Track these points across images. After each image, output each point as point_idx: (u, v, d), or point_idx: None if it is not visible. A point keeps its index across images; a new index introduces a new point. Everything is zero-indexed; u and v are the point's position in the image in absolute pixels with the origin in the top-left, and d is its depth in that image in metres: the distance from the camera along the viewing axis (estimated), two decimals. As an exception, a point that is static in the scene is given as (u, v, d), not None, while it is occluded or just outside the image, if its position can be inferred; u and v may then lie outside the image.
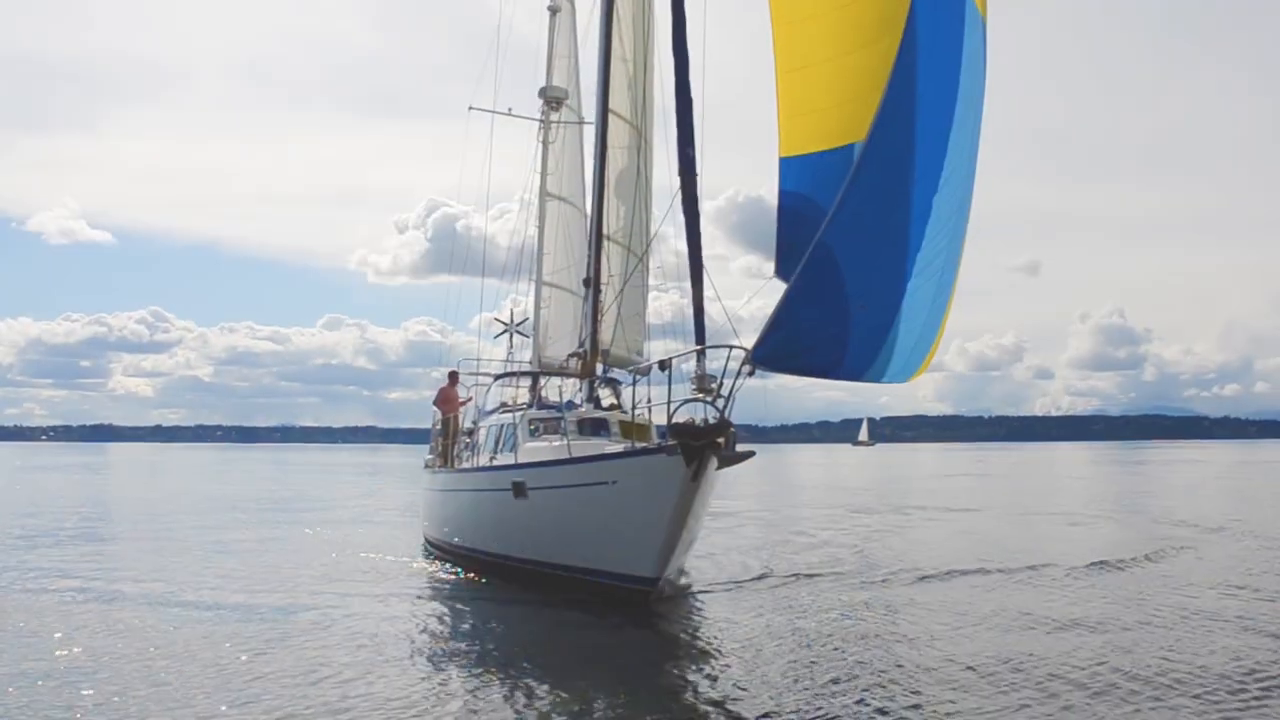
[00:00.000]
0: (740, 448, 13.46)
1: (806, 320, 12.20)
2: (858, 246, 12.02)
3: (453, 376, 24.23)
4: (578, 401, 18.72)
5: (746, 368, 12.07)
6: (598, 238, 18.37)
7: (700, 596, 14.65)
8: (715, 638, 11.81)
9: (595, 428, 17.38)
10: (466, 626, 13.18)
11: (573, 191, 26.35)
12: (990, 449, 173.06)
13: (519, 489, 15.00)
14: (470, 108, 25.56)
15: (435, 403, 24.43)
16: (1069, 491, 45.39)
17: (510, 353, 27.05)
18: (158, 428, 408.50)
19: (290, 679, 9.81)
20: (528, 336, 27.63)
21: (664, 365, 12.02)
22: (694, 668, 10.45)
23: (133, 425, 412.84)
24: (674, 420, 12.88)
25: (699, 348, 12.53)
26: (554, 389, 22.07)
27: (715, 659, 10.78)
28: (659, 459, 12.40)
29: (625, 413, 18.31)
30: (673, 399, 12.80)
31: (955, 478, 60.84)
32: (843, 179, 12.15)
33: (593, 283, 18.25)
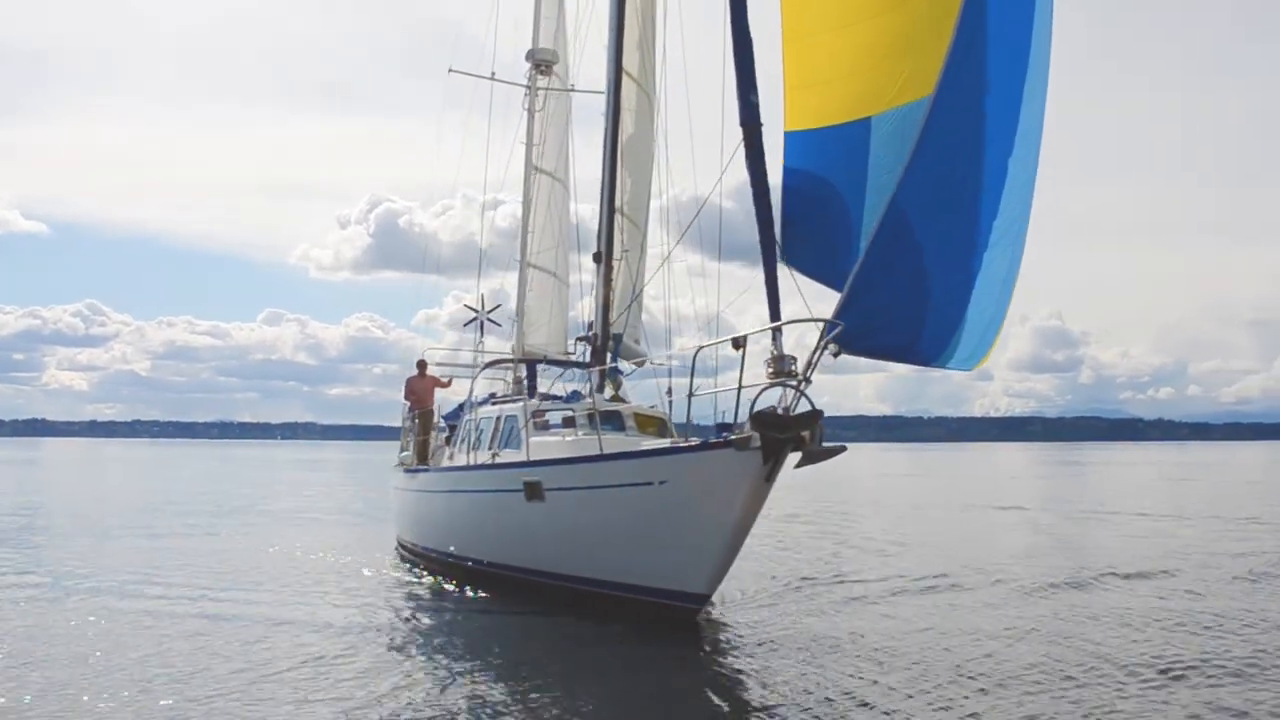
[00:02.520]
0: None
1: (883, 294, 10.76)
2: (933, 211, 10.78)
3: (421, 366, 22.10)
4: (584, 392, 16.60)
5: (832, 347, 10.21)
6: (610, 209, 16.34)
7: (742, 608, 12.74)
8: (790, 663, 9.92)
9: (609, 421, 15.39)
10: (466, 648, 11.37)
11: (558, 166, 24.34)
12: (932, 449, 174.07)
13: (533, 490, 12.95)
14: (450, 70, 23.42)
15: (405, 396, 22.29)
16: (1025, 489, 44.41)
17: (479, 342, 25.02)
18: (93, 423, 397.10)
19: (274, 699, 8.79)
20: (499, 325, 25.72)
21: (738, 343, 10.09)
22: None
23: (67, 420, 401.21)
24: (713, 413, 11.11)
25: (781, 322, 10.56)
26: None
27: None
28: (725, 455, 10.47)
29: (637, 405, 16.39)
30: (733, 384, 10.90)
31: (912, 478, 59.90)
32: (852, 155, 11.57)
33: (604, 258, 16.24)
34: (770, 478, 10.45)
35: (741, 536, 11.02)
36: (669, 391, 15.90)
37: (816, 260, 12.05)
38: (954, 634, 11.39)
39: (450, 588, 14.95)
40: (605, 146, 16.57)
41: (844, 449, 10.57)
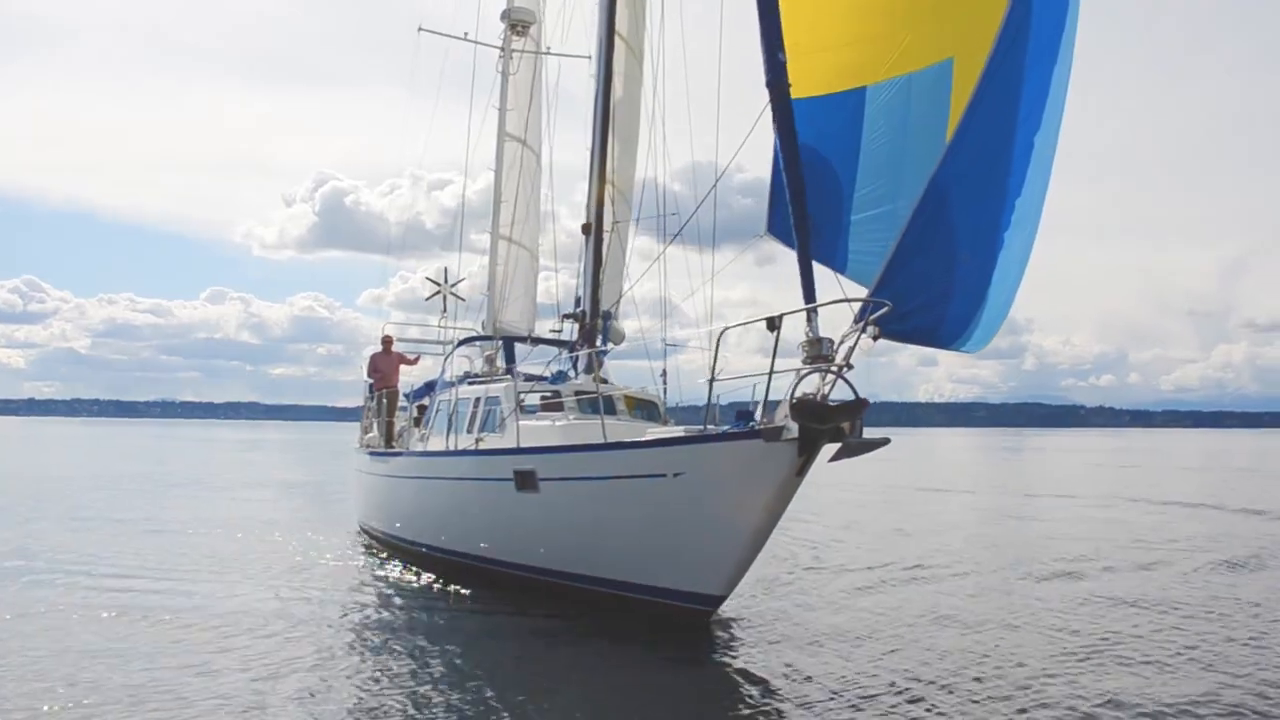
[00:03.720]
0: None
1: (916, 273, 10.07)
2: (971, 189, 10.28)
3: (386, 342, 20.86)
4: (571, 373, 15.49)
5: (873, 329, 9.28)
6: (600, 177, 15.27)
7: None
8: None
9: (599, 404, 14.35)
10: (444, 646, 10.35)
11: (531, 134, 23.11)
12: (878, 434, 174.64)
13: (525, 480, 11.89)
14: (420, 29, 22.06)
15: (368, 373, 21.02)
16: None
17: (443, 318, 23.79)
18: (30, 400, 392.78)
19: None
20: (463, 300, 24.54)
21: (774, 324, 9.08)
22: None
23: (4, 398, 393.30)
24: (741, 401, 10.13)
25: (825, 302, 9.51)
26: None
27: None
28: (752, 447, 9.49)
29: (625, 387, 15.37)
30: (752, 369, 9.95)
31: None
32: (846, 125, 11.20)
33: (594, 230, 15.17)
34: (802, 472, 9.51)
35: (765, 535, 10.09)
36: (663, 374, 14.92)
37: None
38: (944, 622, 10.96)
39: (426, 580, 13.82)
40: (595, 111, 15.53)
41: (887, 441, 9.64)
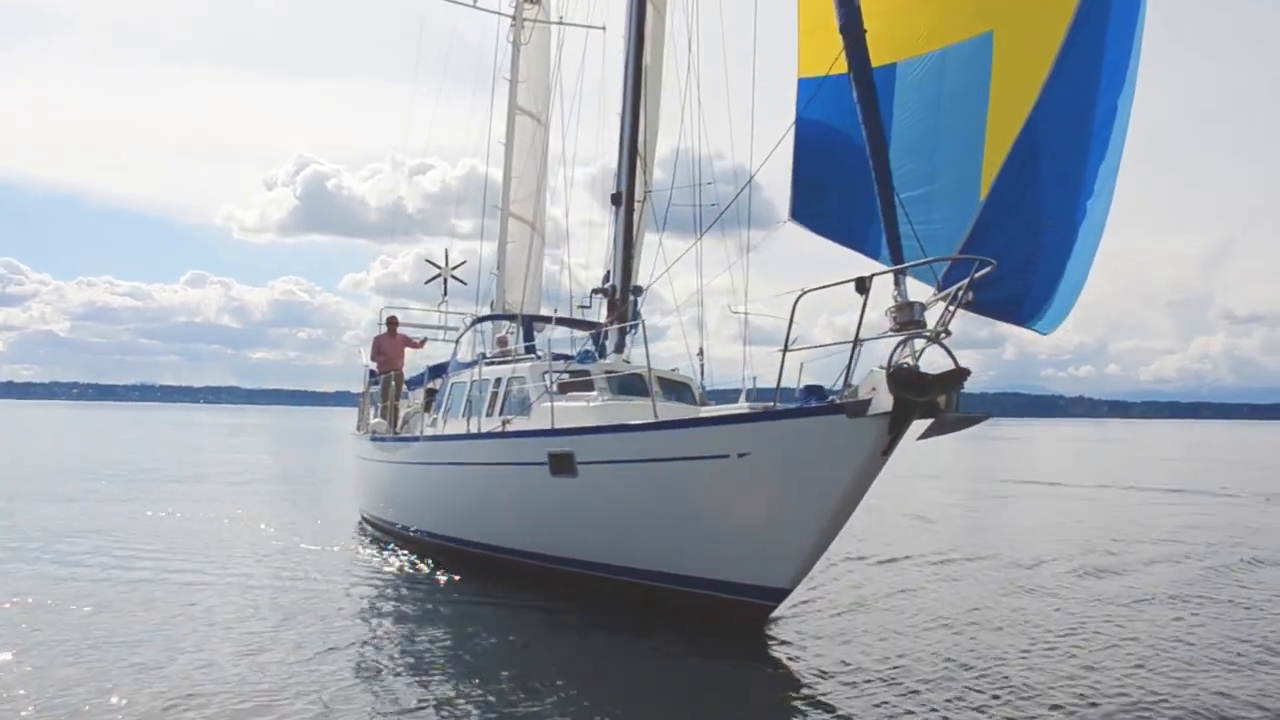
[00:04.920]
0: None
1: (999, 240, 9.29)
2: (1059, 146, 9.65)
3: (391, 324, 19.91)
4: (601, 353, 14.55)
5: (968, 294, 8.44)
6: (632, 145, 14.35)
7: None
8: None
9: (630, 385, 13.50)
10: (470, 642, 9.66)
11: (539, 108, 22.21)
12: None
13: (561, 463, 11.00)
14: (428, -7, 21.01)
15: (371, 356, 20.07)
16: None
17: (443, 302, 22.92)
18: (9, 384, 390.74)
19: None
20: (464, 283, 23.71)
21: (863, 285, 8.21)
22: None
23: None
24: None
25: (927, 260, 8.65)
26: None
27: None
28: (832, 423, 8.64)
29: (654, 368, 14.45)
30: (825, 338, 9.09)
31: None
32: (880, 103, 10.15)
33: (625, 200, 14.27)
34: (889, 451, 8.67)
35: (840, 522, 9.24)
36: (700, 353, 14.05)
37: (828, 216, 10.97)
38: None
39: (442, 572, 12.92)
40: (626, 73, 14.59)
41: (987, 416, 8.81)
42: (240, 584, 12.14)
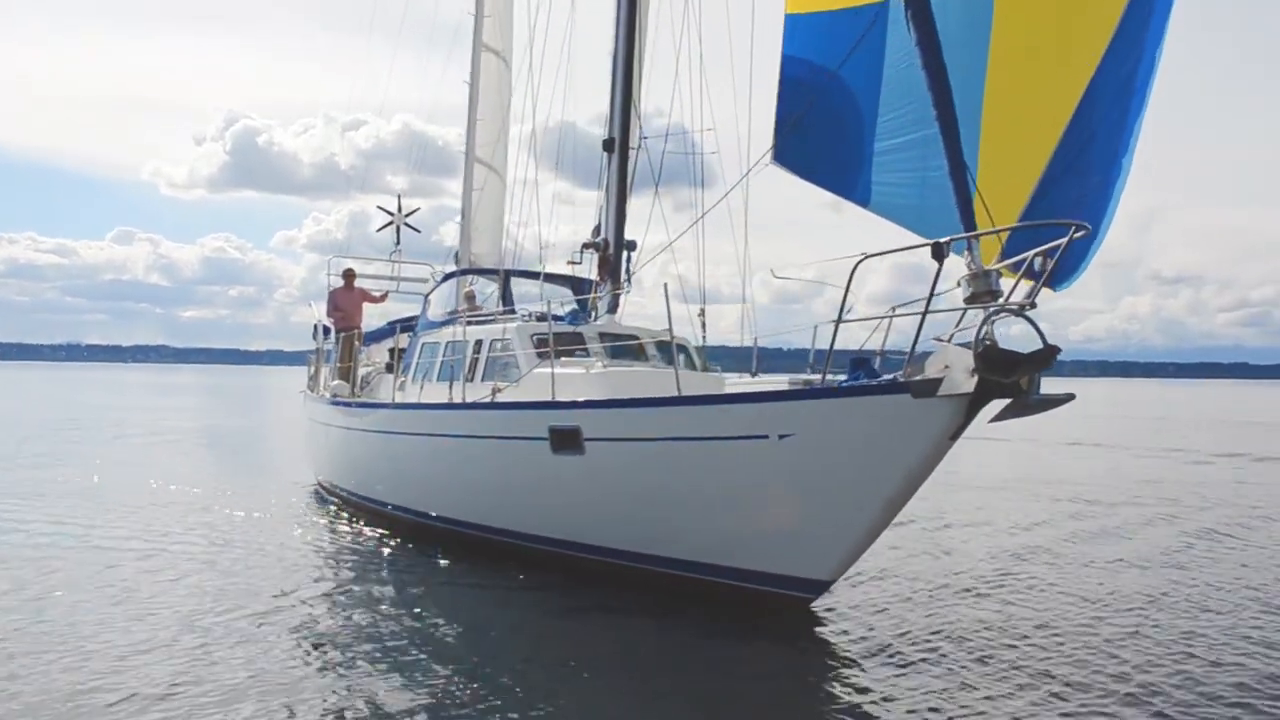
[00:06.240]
0: None
1: (1060, 200, 8.71)
2: (1117, 98, 9.01)
3: (349, 276, 18.48)
4: (596, 313, 13.31)
5: (1048, 263, 7.42)
6: (626, 85, 13.08)
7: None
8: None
9: (625, 349, 12.39)
10: (458, 627, 8.70)
11: (504, 45, 20.72)
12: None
13: (565, 439, 9.86)
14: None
15: (327, 312, 18.60)
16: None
17: (396, 252, 21.53)
18: None
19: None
20: (418, 231, 22.37)
21: (940, 251, 7.04)
22: None
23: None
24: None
25: (1015, 225, 7.65)
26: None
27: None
28: (896, 403, 7.61)
29: (650, 331, 13.34)
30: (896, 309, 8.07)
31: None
32: (866, 43, 10.02)
33: (619, 146, 13.03)
34: (958, 435, 7.66)
35: (895, 511, 8.24)
36: (701, 313, 12.94)
37: (813, 159, 10.51)
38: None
39: (409, 546, 11.80)
40: (619, 5, 13.27)
41: (1071, 397, 7.84)
42: (193, 554, 11.22)
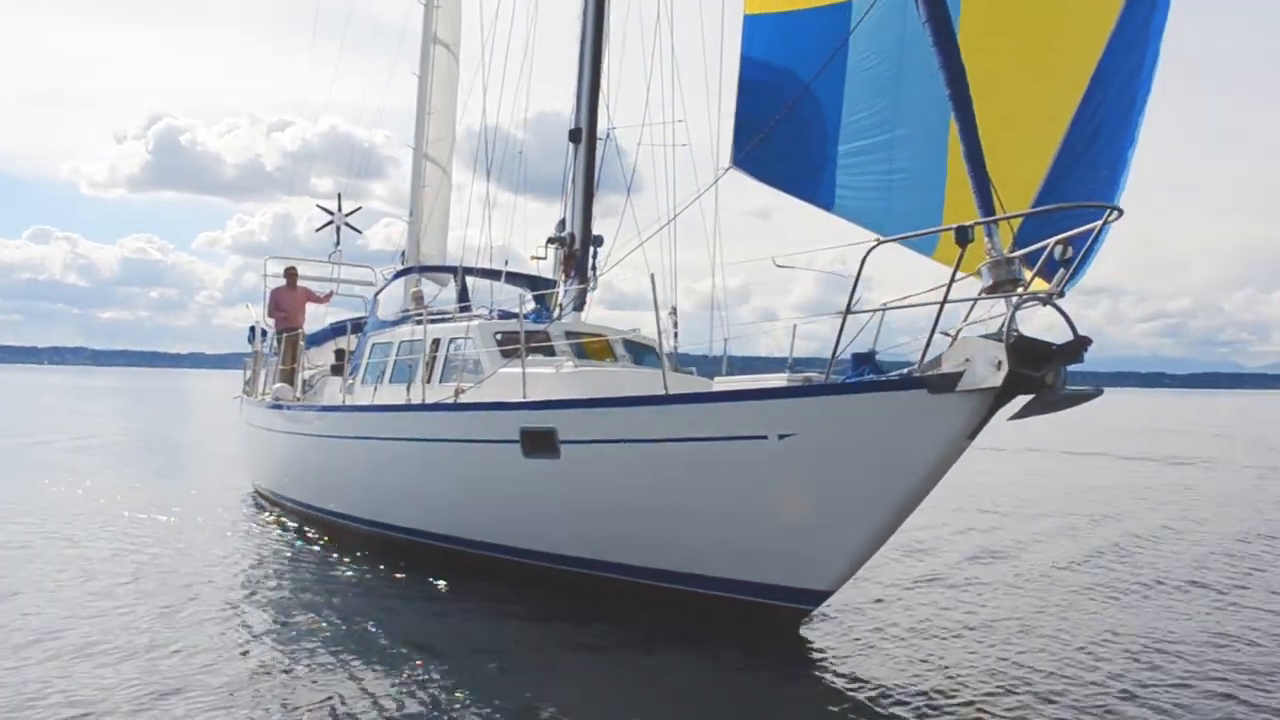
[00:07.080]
0: None
1: (1075, 186, 8.41)
2: (1125, 87, 8.73)
3: (291, 275, 17.67)
4: (561, 311, 12.65)
5: (1061, 249, 6.97)
6: (593, 70, 12.50)
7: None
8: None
9: (594, 349, 11.80)
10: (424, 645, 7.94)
11: (453, 38, 20.05)
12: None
13: (538, 441, 9.22)
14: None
15: (268, 312, 17.72)
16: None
17: (335, 252, 20.73)
18: None
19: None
20: (360, 231, 21.64)
21: (965, 236, 6.54)
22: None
23: None
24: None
25: (1048, 208, 7.18)
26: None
27: None
28: (911, 399, 7.10)
29: (618, 331, 12.75)
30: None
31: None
32: (827, 46, 9.91)
33: (586, 136, 12.43)
34: (976, 433, 7.17)
35: (904, 515, 7.73)
36: (673, 311, 12.38)
37: (773, 163, 10.39)
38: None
39: (379, 563, 11.02)
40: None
41: (1100, 392, 7.39)
42: (125, 562, 10.57)
